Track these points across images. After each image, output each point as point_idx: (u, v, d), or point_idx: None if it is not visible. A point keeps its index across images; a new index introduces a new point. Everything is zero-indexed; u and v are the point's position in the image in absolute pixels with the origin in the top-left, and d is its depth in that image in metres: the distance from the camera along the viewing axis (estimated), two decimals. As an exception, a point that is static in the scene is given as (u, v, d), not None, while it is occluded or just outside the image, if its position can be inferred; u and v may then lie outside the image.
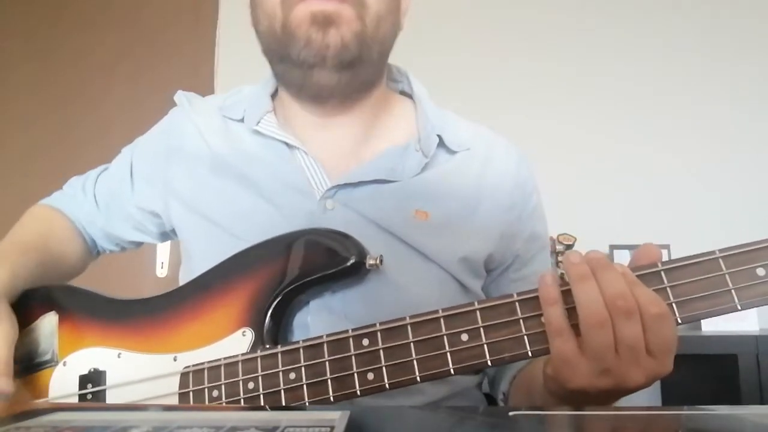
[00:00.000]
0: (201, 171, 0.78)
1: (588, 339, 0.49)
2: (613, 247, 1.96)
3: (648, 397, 1.79)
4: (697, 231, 1.95)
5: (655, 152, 2.06)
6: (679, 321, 0.50)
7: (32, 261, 0.76)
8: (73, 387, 0.68)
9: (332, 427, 0.34)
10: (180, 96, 0.87)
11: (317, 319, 0.67)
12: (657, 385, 1.76)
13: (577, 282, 0.50)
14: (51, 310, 0.73)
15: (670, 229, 1.96)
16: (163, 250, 2.13)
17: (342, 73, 0.70)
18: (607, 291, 0.49)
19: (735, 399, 1.54)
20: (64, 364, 0.69)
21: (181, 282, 0.76)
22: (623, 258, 1.89)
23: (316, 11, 0.66)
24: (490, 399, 0.82)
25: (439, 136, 0.76)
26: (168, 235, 0.88)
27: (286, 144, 0.75)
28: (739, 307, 0.48)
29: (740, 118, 2.05)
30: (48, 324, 0.72)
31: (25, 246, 0.80)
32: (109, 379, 0.66)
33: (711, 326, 1.75)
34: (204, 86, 2.18)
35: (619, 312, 0.48)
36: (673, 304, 0.50)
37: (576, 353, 0.50)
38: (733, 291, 0.49)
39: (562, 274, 1.87)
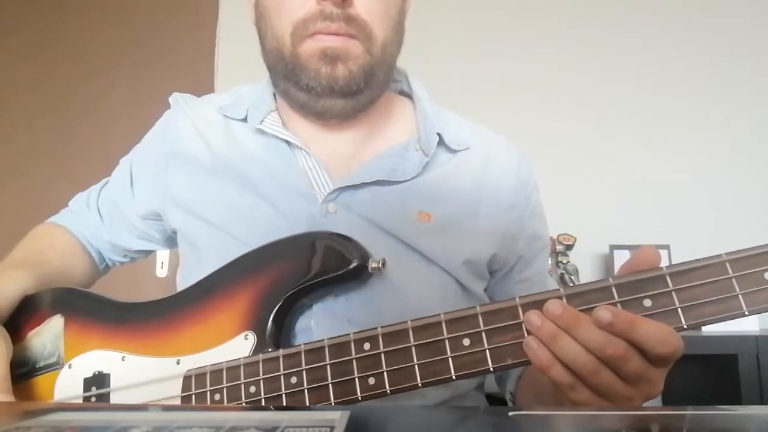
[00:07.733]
0: (200, 173, 0.77)
1: (590, 382, 0.48)
2: (613, 247, 1.95)
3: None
4: (696, 231, 1.95)
5: (655, 153, 2.07)
6: (685, 327, 0.48)
7: (28, 276, 0.76)
8: (78, 389, 0.68)
9: (332, 427, 0.34)
10: (176, 97, 0.86)
11: (320, 324, 0.66)
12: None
13: (552, 343, 0.48)
14: (57, 313, 0.72)
15: (669, 230, 1.96)
16: (163, 250, 2.12)
17: (348, 99, 0.71)
18: (589, 345, 0.47)
19: (735, 399, 1.53)
20: (70, 367, 0.69)
21: (179, 286, 0.75)
22: (623, 258, 1.89)
23: (327, 48, 0.67)
24: (492, 400, 0.82)
25: (438, 134, 0.76)
26: (173, 240, 0.88)
27: (288, 143, 0.75)
28: (747, 313, 0.46)
29: (739, 120, 2.05)
30: (54, 327, 0.72)
31: (21, 262, 0.79)
32: (113, 382, 0.66)
33: (711, 326, 1.73)
34: (204, 86, 2.16)
35: (613, 359, 0.46)
36: (679, 309, 0.48)
37: (580, 385, 0.49)
38: (740, 296, 0.47)
39: (562, 274, 1.85)
